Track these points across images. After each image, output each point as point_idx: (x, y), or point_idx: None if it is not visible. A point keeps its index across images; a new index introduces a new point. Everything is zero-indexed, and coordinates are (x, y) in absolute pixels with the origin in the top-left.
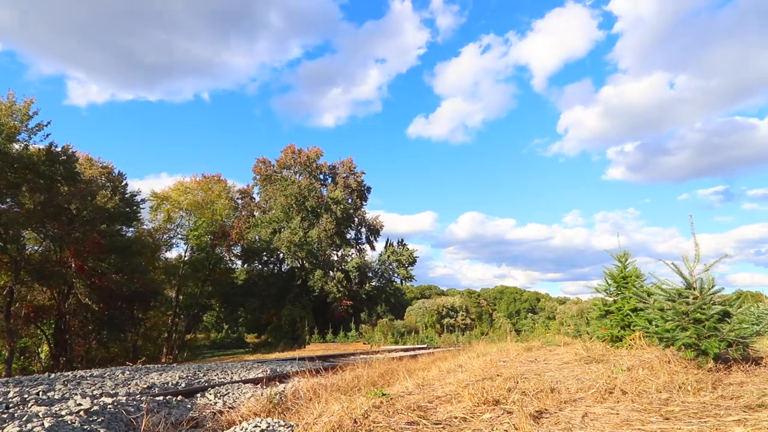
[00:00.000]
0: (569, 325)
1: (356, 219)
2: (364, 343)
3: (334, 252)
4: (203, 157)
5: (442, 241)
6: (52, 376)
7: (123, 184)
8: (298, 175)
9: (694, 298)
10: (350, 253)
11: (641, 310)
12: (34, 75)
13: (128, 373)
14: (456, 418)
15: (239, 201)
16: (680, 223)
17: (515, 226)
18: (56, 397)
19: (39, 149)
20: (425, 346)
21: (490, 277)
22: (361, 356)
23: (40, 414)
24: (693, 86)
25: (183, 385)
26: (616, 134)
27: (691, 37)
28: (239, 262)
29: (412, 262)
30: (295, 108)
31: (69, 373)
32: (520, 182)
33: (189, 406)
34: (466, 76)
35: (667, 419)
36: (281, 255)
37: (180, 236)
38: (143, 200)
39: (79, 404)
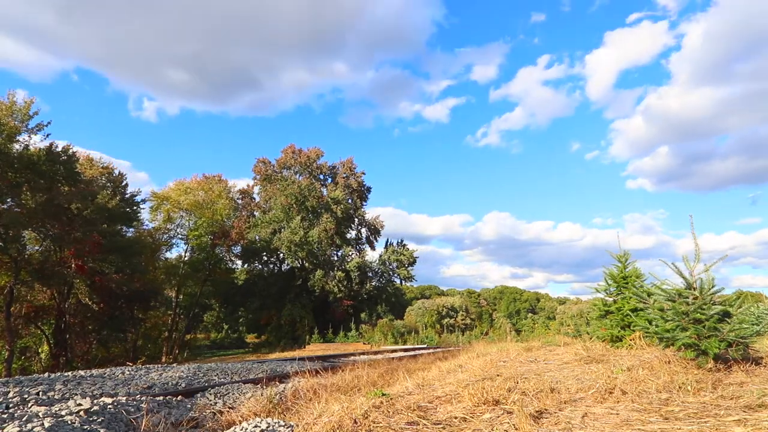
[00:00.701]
0: (569, 325)
1: (356, 219)
2: (364, 343)
3: (335, 252)
4: None
5: (470, 242)
6: (52, 376)
7: (123, 184)
8: (298, 175)
9: (694, 298)
10: (350, 253)
11: (641, 310)
12: (109, 90)
13: (128, 373)
14: (456, 418)
15: (239, 201)
16: (705, 225)
17: (550, 228)
18: (56, 397)
19: (39, 149)
20: (425, 346)
21: (508, 277)
22: (361, 356)
23: (40, 414)
24: (743, 95)
25: (183, 385)
26: (658, 141)
27: (753, 50)
28: (239, 262)
29: (413, 262)
30: (364, 121)
31: (69, 373)
32: (565, 186)
33: (189, 406)
34: (530, 86)
35: (667, 419)
36: (281, 255)
37: (180, 236)
38: (143, 200)
39: (79, 404)
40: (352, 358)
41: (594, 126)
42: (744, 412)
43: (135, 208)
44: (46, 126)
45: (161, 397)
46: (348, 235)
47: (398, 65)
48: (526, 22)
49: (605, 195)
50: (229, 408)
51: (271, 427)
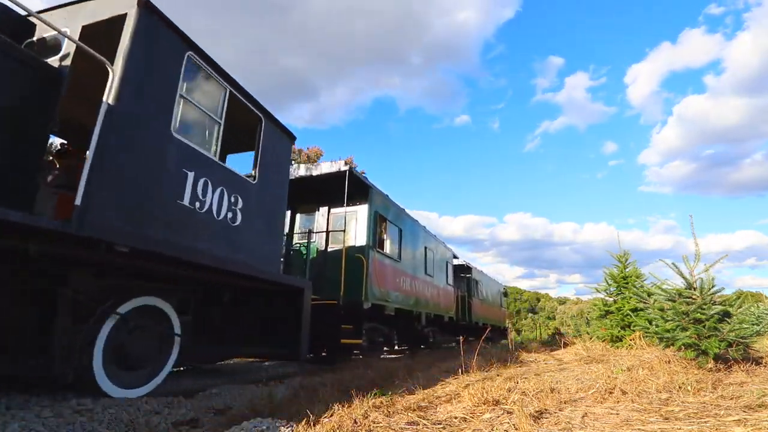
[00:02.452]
0: (569, 325)
1: None
2: None
3: None
4: None
5: (488, 244)
6: None
7: None
8: None
9: (694, 298)
10: None
11: (641, 310)
12: None
13: None
14: (456, 418)
15: None
16: (718, 226)
17: (577, 229)
18: (57, 396)
19: None
20: (424, 346)
21: (519, 277)
22: (361, 356)
23: (41, 413)
24: None
25: (183, 384)
26: (692, 148)
27: None
28: None
29: None
30: (408, 128)
31: None
32: (592, 188)
33: (189, 405)
34: (575, 93)
35: (667, 419)
36: None
37: None
38: None
39: (81, 404)
40: (351, 357)
41: (628, 131)
42: (744, 412)
43: None
44: None
45: (161, 397)
46: None
47: (453, 75)
48: (581, 32)
49: (630, 197)
50: (229, 408)
51: (271, 427)
